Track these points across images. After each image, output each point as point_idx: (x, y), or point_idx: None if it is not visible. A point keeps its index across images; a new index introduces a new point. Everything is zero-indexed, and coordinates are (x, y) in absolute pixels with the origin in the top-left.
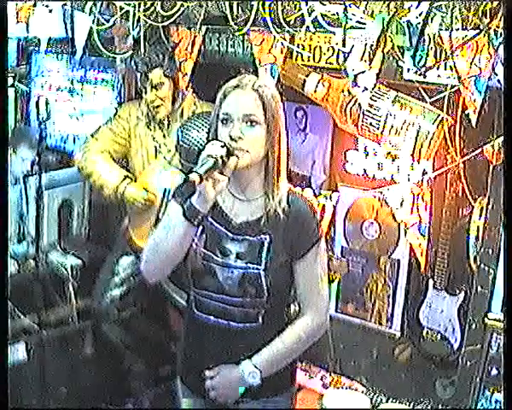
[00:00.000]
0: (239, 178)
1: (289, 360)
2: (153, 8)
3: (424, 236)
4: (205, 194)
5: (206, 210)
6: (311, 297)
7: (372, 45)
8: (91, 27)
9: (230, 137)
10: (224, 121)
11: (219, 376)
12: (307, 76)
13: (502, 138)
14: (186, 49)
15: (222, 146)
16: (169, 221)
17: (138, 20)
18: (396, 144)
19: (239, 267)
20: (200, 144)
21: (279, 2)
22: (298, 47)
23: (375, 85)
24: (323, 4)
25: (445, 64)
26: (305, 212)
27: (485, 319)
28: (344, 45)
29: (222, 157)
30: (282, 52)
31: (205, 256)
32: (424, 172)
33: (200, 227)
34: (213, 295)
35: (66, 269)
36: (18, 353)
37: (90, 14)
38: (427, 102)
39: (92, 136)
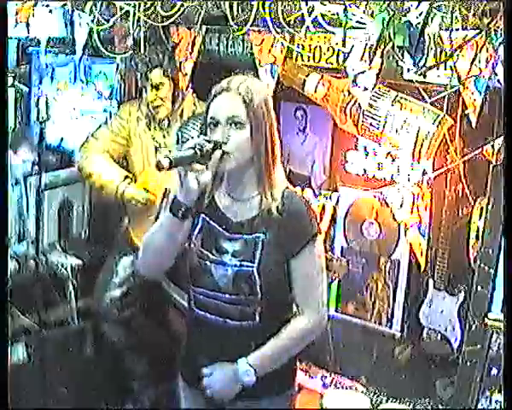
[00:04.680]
0: (233, 178)
1: (286, 359)
2: (153, 8)
3: (424, 236)
4: (187, 186)
5: (191, 203)
6: (307, 296)
7: (372, 45)
8: (91, 27)
9: (211, 140)
10: (211, 125)
11: (215, 374)
12: (307, 76)
13: (502, 138)
14: (186, 49)
15: (207, 140)
16: (160, 218)
17: (138, 20)
18: (396, 144)
19: (233, 265)
20: None
21: (279, 2)
22: (298, 47)
23: (375, 85)
24: (323, 4)
25: (445, 64)
26: (299, 209)
27: (485, 319)
28: (344, 45)
29: (202, 149)
30: (282, 52)
31: (201, 255)
32: (424, 172)
33: (198, 226)
34: (209, 292)
35: (66, 269)
36: (18, 353)
37: (90, 14)
38: (427, 102)
39: (92, 136)
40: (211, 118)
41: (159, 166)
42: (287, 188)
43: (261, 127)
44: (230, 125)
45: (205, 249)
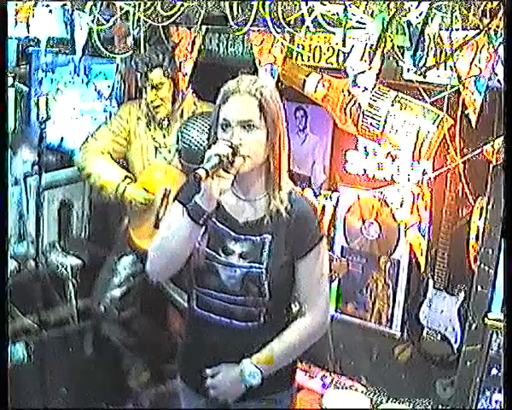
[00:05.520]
0: (242, 179)
1: (290, 359)
2: (153, 8)
3: (424, 236)
4: (209, 192)
5: (211, 209)
6: (311, 297)
7: (372, 45)
8: (91, 27)
9: (231, 144)
10: (224, 127)
11: (220, 375)
12: (307, 76)
13: (502, 138)
14: (186, 49)
15: (229, 146)
16: (173, 222)
17: (138, 20)
18: (396, 144)
19: (241, 267)
20: (200, 145)
21: (279, 2)
22: (298, 47)
23: (375, 85)
24: (323, 4)
25: (445, 64)
26: (307, 212)
27: (485, 319)
28: (344, 45)
29: (228, 156)
30: (282, 52)
31: (207, 255)
32: (424, 172)
33: (203, 226)
34: (216, 293)
35: (66, 269)
36: (18, 353)
37: (90, 14)
38: (427, 102)
39: (92, 136)
40: (223, 119)
41: (196, 177)
42: (292, 189)
43: (275, 128)
44: (243, 127)
45: (211, 250)
